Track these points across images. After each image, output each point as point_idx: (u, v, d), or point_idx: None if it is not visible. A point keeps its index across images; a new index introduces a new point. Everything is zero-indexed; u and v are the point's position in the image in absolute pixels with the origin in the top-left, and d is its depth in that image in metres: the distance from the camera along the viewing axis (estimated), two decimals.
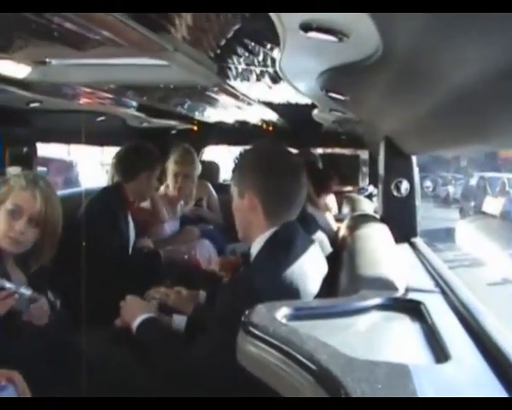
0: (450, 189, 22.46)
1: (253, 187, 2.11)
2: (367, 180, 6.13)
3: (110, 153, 4.34)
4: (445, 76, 1.47)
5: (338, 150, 6.37)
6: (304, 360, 1.19)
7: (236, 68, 2.71)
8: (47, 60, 2.42)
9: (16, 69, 2.42)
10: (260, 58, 2.49)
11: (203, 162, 5.49)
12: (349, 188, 5.73)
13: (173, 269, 3.64)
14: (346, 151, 6.48)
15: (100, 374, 2.34)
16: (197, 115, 4.87)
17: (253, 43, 2.31)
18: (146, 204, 4.23)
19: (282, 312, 1.45)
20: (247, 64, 2.61)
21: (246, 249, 2.28)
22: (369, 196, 5.28)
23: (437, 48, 1.28)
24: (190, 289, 2.94)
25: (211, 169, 5.91)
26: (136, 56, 2.05)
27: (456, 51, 1.22)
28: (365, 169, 6.49)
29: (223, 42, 2.17)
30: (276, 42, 1.79)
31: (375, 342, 1.45)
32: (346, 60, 1.68)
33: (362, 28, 1.30)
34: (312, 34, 1.36)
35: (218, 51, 2.28)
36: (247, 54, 2.45)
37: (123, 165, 3.87)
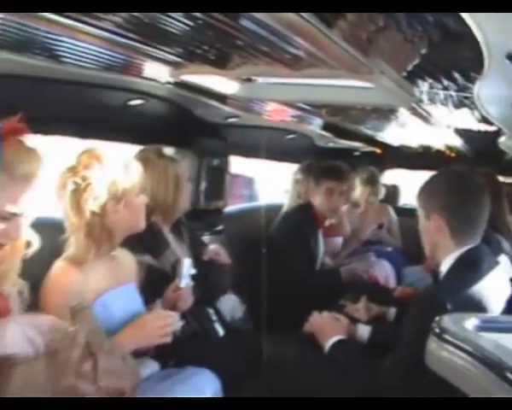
0: None
1: (439, 208, 2.18)
2: None
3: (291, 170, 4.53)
4: None
5: None
6: (494, 364, 1.26)
7: (429, 91, 2.75)
8: (253, 78, 2.62)
9: (226, 85, 2.64)
10: (454, 83, 2.52)
11: (385, 186, 5.58)
12: None
13: (353, 285, 3.72)
14: None
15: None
16: (382, 137, 4.96)
17: (448, 67, 2.37)
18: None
19: (470, 322, 1.52)
20: (442, 88, 2.65)
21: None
22: None
23: None
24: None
25: (392, 192, 5.98)
26: (344, 78, 2.15)
27: None
28: None
29: (416, 63, 2.25)
30: (476, 69, 1.83)
31: None
32: None
33: None
34: None
35: (411, 72, 2.35)
36: (441, 77, 2.51)
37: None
